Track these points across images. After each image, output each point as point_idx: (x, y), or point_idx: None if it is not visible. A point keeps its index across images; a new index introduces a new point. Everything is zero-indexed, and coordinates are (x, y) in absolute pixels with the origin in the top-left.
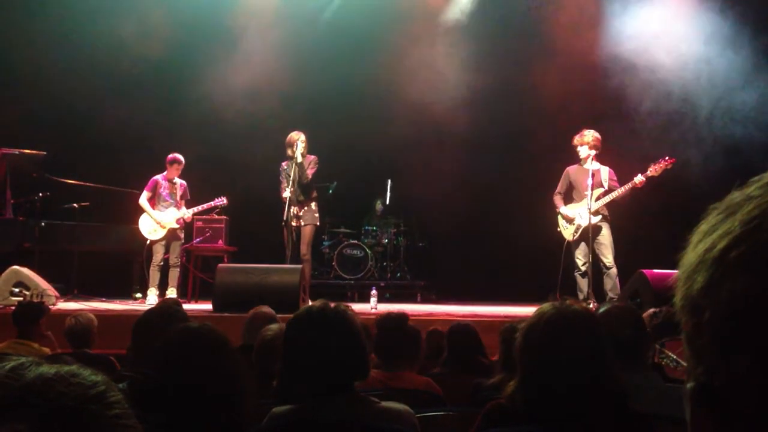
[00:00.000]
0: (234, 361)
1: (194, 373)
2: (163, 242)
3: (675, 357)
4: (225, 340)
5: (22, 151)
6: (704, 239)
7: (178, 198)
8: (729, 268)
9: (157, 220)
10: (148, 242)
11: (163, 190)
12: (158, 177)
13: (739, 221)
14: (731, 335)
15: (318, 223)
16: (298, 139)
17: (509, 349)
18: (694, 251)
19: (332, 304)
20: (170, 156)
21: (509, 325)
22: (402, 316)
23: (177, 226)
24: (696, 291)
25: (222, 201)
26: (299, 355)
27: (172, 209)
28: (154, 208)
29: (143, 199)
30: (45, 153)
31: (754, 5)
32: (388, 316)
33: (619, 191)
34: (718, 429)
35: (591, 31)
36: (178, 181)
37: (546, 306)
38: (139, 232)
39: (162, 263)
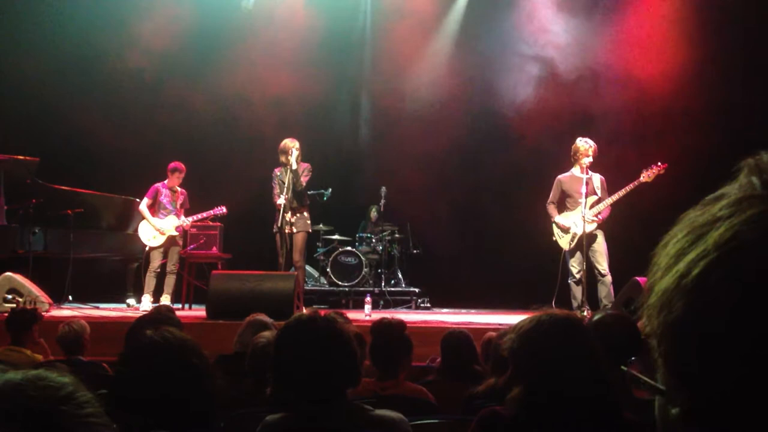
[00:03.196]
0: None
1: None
2: (162, 249)
3: (646, 378)
4: (190, 344)
5: (15, 157)
6: (676, 263)
7: (178, 206)
8: (710, 295)
9: (157, 227)
10: (147, 248)
11: (164, 198)
12: (159, 185)
13: (713, 244)
14: (720, 361)
15: (310, 230)
16: (293, 146)
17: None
18: (666, 276)
19: (322, 313)
20: (171, 164)
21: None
22: (399, 323)
23: (176, 233)
24: (676, 318)
25: (221, 210)
26: (290, 364)
27: (172, 217)
28: (154, 216)
29: (143, 206)
30: (38, 159)
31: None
32: (383, 323)
33: (613, 198)
34: None
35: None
36: (179, 189)
37: (536, 315)
38: (138, 238)
39: (158, 270)
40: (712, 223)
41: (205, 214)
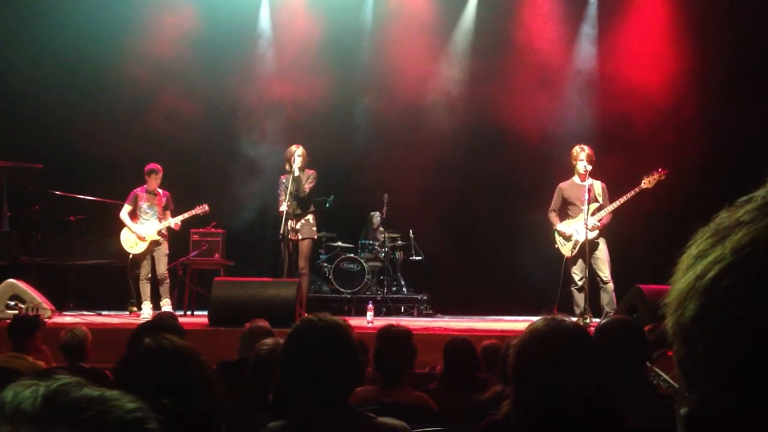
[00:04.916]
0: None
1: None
2: (148, 255)
3: (665, 376)
4: (187, 351)
5: (18, 163)
6: (695, 265)
7: (160, 209)
8: (720, 298)
9: (138, 234)
10: (131, 256)
11: (143, 203)
12: (138, 190)
13: (729, 249)
14: (725, 367)
15: (316, 237)
16: (296, 153)
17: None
18: (684, 277)
19: (328, 317)
20: (147, 166)
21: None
22: (405, 331)
23: (158, 238)
24: (688, 319)
25: (204, 208)
26: (297, 367)
27: (154, 221)
28: (136, 222)
29: (123, 213)
30: (41, 165)
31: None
32: (390, 330)
33: (614, 205)
34: None
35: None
36: (160, 191)
37: (538, 323)
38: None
39: (149, 276)
40: (733, 227)
41: (187, 214)
